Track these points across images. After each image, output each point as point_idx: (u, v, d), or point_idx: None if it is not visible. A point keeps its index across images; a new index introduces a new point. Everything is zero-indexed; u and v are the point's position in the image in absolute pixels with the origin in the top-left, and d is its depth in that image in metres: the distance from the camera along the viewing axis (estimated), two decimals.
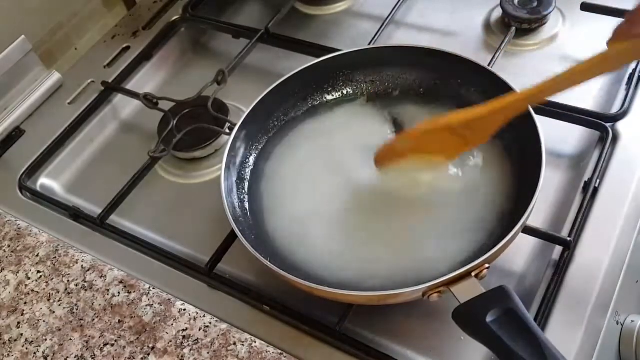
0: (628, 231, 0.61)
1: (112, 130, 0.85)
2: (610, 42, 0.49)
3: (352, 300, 0.57)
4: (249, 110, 0.67)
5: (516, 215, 0.57)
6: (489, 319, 0.48)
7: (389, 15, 0.82)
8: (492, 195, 0.61)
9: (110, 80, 0.86)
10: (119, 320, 0.61)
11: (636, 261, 0.61)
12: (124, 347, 0.59)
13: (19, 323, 0.63)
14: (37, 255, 0.68)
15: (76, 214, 0.73)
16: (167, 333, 0.60)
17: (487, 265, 0.52)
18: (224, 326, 0.59)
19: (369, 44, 0.79)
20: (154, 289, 0.63)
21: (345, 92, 0.72)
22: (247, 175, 0.68)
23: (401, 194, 0.62)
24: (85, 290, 0.64)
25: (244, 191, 0.66)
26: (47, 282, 0.66)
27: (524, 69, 0.77)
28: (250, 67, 0.84)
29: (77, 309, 0.63)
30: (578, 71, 0.51)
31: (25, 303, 0.64)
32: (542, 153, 0.57)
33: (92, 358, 0.59)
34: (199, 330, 0.59)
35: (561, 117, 0.68)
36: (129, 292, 0.63)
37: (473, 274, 0.52)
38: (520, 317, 0.47)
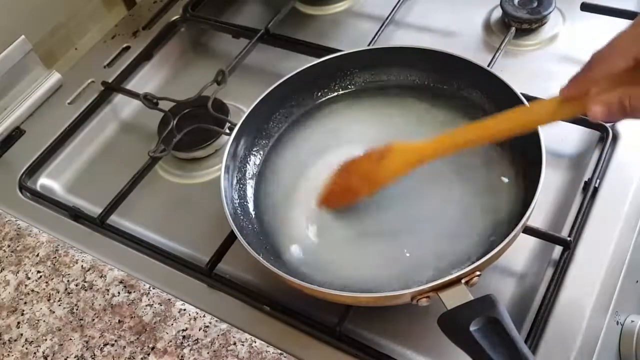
0: (628, 231, 0.61)
1: (112, 130, 0.85)
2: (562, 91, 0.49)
3: (342, 301, 0.57)
4: (249, 110, 0.67)
5: (515, 217, 0.57)
6: (472, 327, 0.47)
7: (389, 15, 0.82)
8: (491, 196, 0.61)
9: (110, 80, 0.85)
10: (119, 320, 0.61)
11: (636, 261, 0.61)
12: (124, 347, 0.59)
13: (19, 323, 0.63)
14: (37, 255, 0.68)
15: (76, 214, 0.73)
16: (167, 333, 0.60)
17: (477, 273, 0.51)
18: (224, 326, 0.59)
19: (369, 44, 0.79)
20: (154, 289, 0.63)
21: (345, 92, 0.72)
22: (247, 176, 0.68)
23: (400, 195, 0.63)
24: (85, 290, 0.64)
25: (244, 191, 0.66)
26: (47, 282, 0.65)
27: (524, 69, 0.77)
28: (250, 67, 0.84)
29: (77, 309, 0.63)
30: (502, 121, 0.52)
31: (25, 303, 0.64)
32: (542, 153, 0.57)
33: (92, 358, 0.59)
34: (199, 330, 0.59)
35: None
36: (129, 292, 0.63)
37: (463, 280, 0.51)
38: (503, 327, 0.47)
